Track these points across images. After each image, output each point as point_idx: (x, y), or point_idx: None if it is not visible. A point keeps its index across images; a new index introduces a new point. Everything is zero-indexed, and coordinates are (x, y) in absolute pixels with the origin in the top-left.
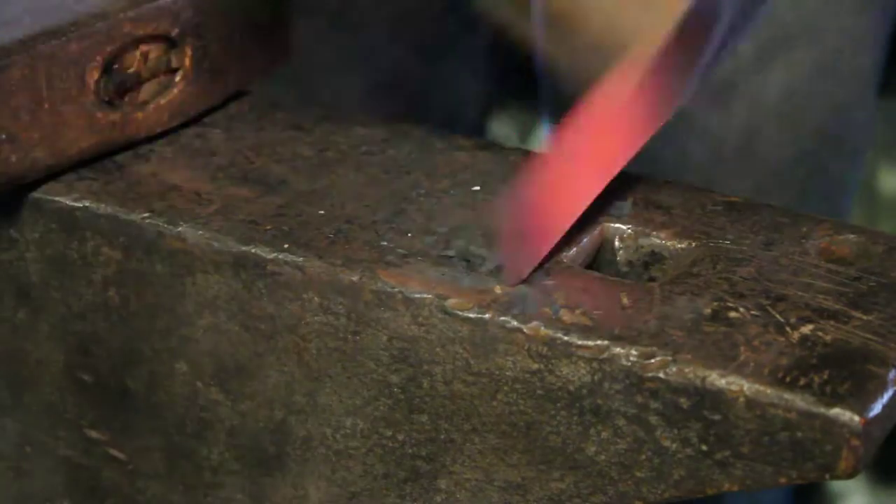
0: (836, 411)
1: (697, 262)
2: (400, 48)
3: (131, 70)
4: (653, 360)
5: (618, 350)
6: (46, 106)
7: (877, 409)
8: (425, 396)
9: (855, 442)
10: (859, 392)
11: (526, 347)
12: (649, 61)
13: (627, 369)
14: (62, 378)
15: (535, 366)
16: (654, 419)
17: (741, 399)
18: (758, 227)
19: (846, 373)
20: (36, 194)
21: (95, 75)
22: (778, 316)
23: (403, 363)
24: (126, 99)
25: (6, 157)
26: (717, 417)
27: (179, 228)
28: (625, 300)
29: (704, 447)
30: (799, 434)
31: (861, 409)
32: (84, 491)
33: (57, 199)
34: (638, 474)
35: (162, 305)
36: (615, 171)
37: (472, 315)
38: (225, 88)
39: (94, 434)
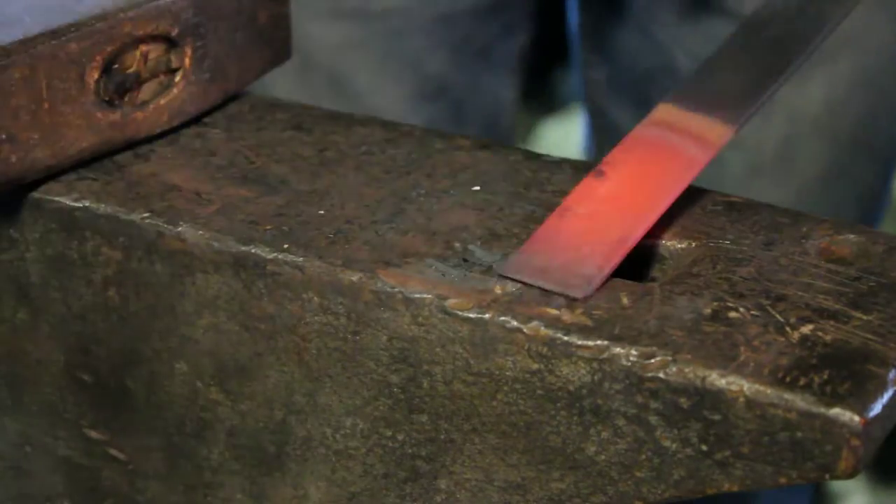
0: (836, 411)
1: (697, 262)
2: (443, 53)
3: (131, 70)
4: (653, 360)
5: (618, 350)
6: (46, 106)
7: (877, 409)
8: (425, 396)
9: (855, 442)
10: (859, 392)
11: (526, 347)
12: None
13: (627, 369)
14: (62, 378)
15: (535, 366)
16: (654, 419)
17: (741, 399)
18: (758, 227)
19: (846, 373)
20: (36, 194)
21: (95, 75)
22: (778, 316)
23: (403, 363)
24: (126, 99)
25: (6, 157)
26: (717, 417)
27: (179, 228)
28: (625, 300)
29: (704, 447)
30: (799, 434)
31: (861, 409)
32: (84, 491)
33: (57, 199)
34: (638, 474)
35: (162, 305)
36: (679, 187)
37: (471, 315)
38: (225, 88)
39: (94, 434)
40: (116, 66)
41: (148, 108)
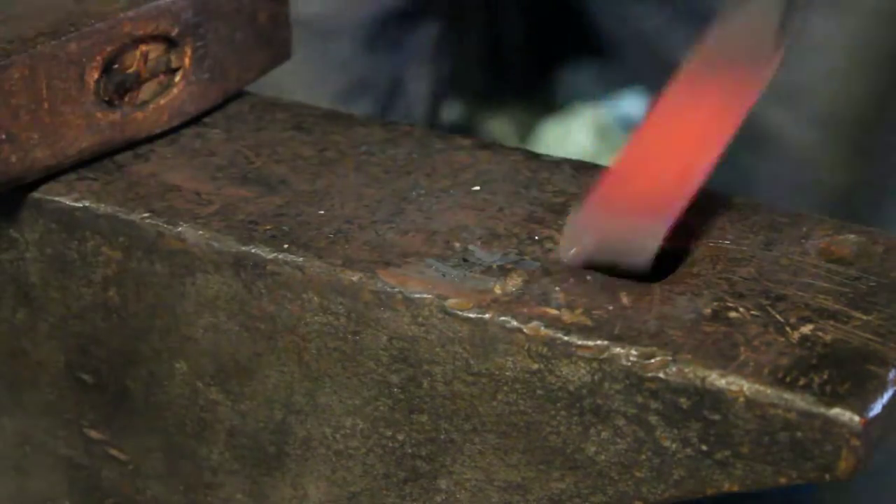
0: (836, 411)
1: (697, 261)
2: (365, 48)
3: (131, 70)
4: (653, 360)
5: (618, 350)
6: (46, 106)
7: (877, 409)
8: (425, 396)
9: (855, 442)
10: (859, 392)
11: (526, 347)
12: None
13: (627, 369)
14: (62, 378)
15: (535, 366)
16: (653, 419)
17: (741, 399)
18: (757, 226)
19: (846, 373)
20: (36, 194)
21: (95, 75)
22: (778, 316)
23: (403, 363)
24: (126, 99)
25: (6, 157)
26: (716, 417)
27: (179, 228)
28: (625, 300)
29: (704, 447)
30: (799, 434)
31: (861, 409)
32: (84, 491)
33: (57, 199)
34: (638, 474)
35: (162, 305)
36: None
37: (471, 315)
38: (225, 88)
39: (93, 434)
40: (116, 65)
41: (148, 108)
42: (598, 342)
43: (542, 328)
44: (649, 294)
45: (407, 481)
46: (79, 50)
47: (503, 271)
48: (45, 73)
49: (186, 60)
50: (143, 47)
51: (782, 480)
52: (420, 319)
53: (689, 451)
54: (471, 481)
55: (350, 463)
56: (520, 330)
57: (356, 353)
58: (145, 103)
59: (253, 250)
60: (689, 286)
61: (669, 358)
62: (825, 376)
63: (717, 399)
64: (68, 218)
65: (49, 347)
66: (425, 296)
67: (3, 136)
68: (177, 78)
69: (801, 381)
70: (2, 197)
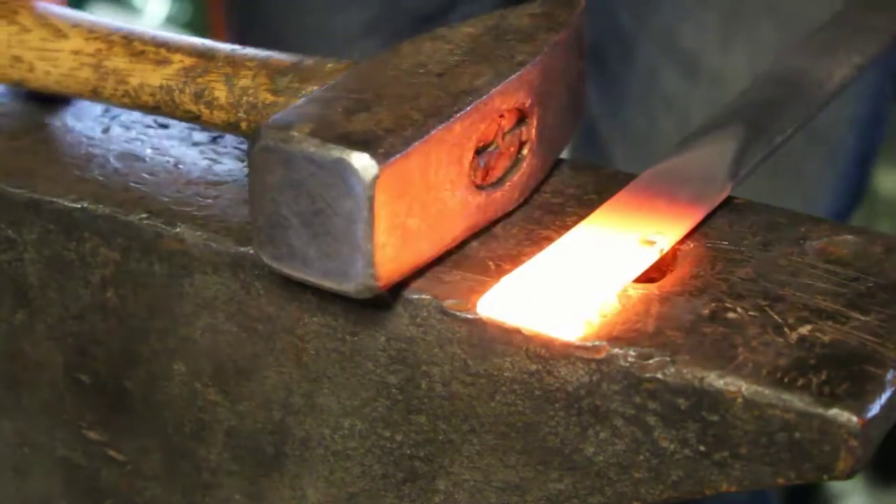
0: (834, 412)
1: (696, 262)
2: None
3: (492, 148)
4: (651, 361)
5: (616, 351)
6: (433, 194)
7: (875, 409)
8: (423, 397)
9: (853, 442)
10: (857, 393)
11: (524, 348)
12: None
13: (625, 370)
14: (60, 379)
15: (534, 366)
16: (652, 420)
17: (739, 400)
18: (756, 227)
19: (844, 373)
20: (35, 195)
21: (470, 157)
22: (776, 316)
23: (401, 364)
24: (486, 179)
25: (397, 252)
26: (715, 418)
27: (178, 229)
28: (623, 301)
29: (703, 448)
30: (797, 434)
31: (859, 410)
32: (82, 492)
33: (55, 199)
34: (636, 475)
35: (160, 306)
36: None
37: (470, 316)
38: (553, 157)
39: (92, 435)
40: (481, 144)
41: (504, 187)
42: (597, 343)
43: (540, 329)
44: (647, 295)
45: (405, 482)
46: (461, 131)
47: (501, 272)
48: (435, 158)
49: (533, 132)
50: (501, 122)
51: (780, 481)
52: (418, 320)
53: (687, 451)
54: (469, 482)
55: (348, 463)
56: (518, 330)
57: (354, 354)
58: (501, 181)
59: (251, 251)
60: (687, 287)
61: (668, 359)
62: (823, 377)
63: (715, 400)
64: (67, 219)
65: (47, 348)
66: (423, 296)
67: (399, 232)
68: (524, 151)
69: (800, 382)
70: (379, 299)
